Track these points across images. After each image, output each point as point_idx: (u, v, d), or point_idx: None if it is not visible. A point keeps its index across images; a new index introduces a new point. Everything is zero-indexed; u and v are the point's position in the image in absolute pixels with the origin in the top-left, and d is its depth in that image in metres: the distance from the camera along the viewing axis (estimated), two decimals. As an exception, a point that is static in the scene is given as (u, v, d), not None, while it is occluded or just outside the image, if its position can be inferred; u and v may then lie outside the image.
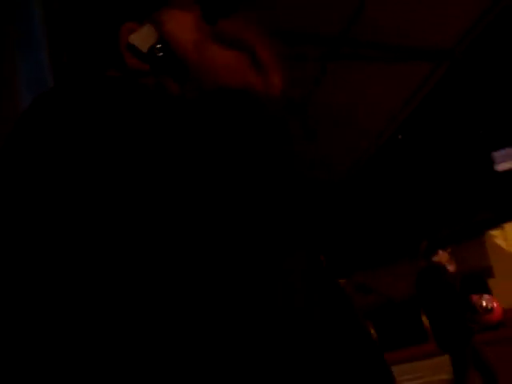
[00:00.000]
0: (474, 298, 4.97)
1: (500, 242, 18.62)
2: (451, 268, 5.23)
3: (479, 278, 18.50)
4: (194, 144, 0.58)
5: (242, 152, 0.59)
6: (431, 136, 20.01)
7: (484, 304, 4.89)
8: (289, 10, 5.20)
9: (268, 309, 0.54)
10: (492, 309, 4.88)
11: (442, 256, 5.26)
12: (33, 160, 0.59)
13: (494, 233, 18.71)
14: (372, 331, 20.59)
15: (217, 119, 0.61)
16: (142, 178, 0.55)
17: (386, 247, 20.14)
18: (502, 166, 19.42)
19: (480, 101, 18.71)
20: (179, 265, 0.53)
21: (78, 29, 0.78)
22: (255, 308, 0.53)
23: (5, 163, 0.62)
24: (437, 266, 5.17)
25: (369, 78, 6.42)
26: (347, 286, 20.96)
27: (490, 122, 20.10)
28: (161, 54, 0.68)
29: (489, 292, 18.62)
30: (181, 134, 0.59)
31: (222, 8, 0.76)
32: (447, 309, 4.99)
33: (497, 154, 19.49)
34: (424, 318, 19.97)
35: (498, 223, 18.51)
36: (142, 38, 0.68)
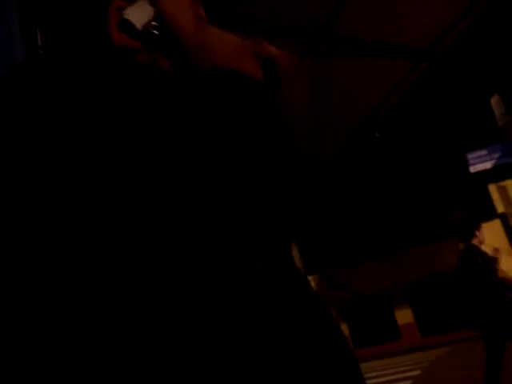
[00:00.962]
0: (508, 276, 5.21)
1: (473, 242, 18.89)
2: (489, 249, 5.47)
3: (451, 276, 18.76)
4: (185, 117, 0.55)
5: (229, 128, 0.55)
6: (408, 135, 20.23)
7: None
8: (269, 4, 5.17)
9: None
10: None
11: (480, 238, 5.53)
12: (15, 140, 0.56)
13: (467, 233, 18.95)
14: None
15: (208, 95, 0.57)
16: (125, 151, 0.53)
17: (361, 245, 20.29)
18: (475, 168, 19.76)
19: (456, 102, 18.97)
20: (175, 260, 0.52)
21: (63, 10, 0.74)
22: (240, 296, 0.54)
23: None
24: (473, 248, 5.36)
25: (347, 75, 6.43)
26: (321, 281, 21.10)
27: (465, 124, 20.41)
28: (156, 31, 0.65)
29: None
30: (171, 106, 0.55)
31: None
32: (482, 287, 5.15)
33: (470, 156, 19.82)
34: (396, 315, 20.22)
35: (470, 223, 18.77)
36: (138, 13, 0.65)
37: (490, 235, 18.09)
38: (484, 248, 5.47)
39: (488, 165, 19.62)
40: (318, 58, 5.92)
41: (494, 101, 18.28)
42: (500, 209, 17.75)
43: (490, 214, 18.04)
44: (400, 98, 7.42)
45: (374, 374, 11.96)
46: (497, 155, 19.62)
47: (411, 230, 19.69)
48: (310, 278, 20.68)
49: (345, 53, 5.91)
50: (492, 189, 17.90)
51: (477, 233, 5.44)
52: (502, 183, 17.87)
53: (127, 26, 0.64)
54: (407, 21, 5.58)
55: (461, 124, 20.18)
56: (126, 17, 0.64)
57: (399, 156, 20.86)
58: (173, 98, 0.56)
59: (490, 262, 5.21)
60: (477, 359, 10.56)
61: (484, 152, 19.74)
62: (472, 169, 19.81)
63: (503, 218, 17.58)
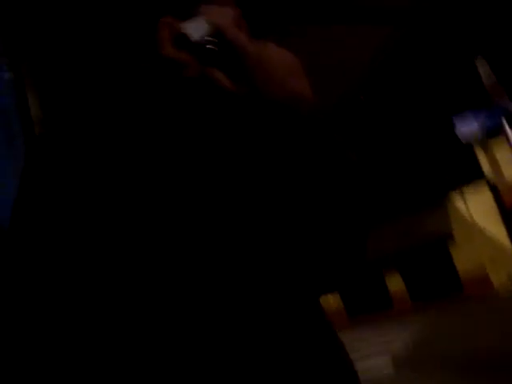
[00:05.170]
0: None
1: (460, 205, 19.06)
2: None
3: (440, 242, 19.00)
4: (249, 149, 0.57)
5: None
6: (394, 98, 20.07)
7: None
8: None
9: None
10: None
11: None
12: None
13: (454, 197, 19.14)
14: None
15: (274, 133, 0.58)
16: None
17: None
18: (462, 131, 19.77)
19: (442, 64, 18.78)
20: (181, 267, 0.54)
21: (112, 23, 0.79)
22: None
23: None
24: None
25: (331, 40, 6.35)
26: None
27: (451, 86, 20.30)
28: (211, 46, 0.65)
29: (449, 257, 19.15)
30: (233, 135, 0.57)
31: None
32: None
33: (457, 118, 19.81)
34: (388, 282, 20.48)
35: (457, 187, 18.96)
36: (194, 28, 0.66)
37: (478, 199, 18.22)
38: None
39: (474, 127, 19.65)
40: (300, 24, 5.79)
41: (479, 62, 18.16)
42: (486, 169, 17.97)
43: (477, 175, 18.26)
44: (384, 60, 7.43)
45: (366, 340, 12.15)
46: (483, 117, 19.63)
47: (400, 197, 19.80)
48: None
49: (327, 19, 5.81)
50: (479, 151, 18.01)
51: None
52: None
53: (181, 40, 0.65)
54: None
55: (447, 86, 20.06)
56: (183, 31, 0.66)
57: (385, 120, 20.78)
58: (235, 122, 0.58)
59: None
60: (465, 325, 10.79)
61: (471, 114, 19.74)
62: (458, 132, 19.81)
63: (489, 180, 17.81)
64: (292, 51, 0.67)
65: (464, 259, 18.68)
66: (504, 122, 16.34)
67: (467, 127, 19.73)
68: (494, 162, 17.76)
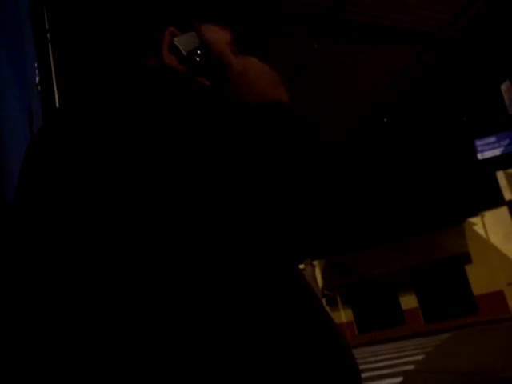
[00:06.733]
0: None
1: (479, 229, 18.85)
2: None
3: (457, 263, 18.78)
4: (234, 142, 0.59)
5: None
6: (416, 121, 20.07)
7: None
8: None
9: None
10: None
11: None
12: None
13: (474, 220, 18.92)
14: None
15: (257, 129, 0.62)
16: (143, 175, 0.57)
17: (367, 230, 20.30)
18: (483, 155, 19.63)
19: (465, 88, 18.78)
20: (176, 263, 0.55)
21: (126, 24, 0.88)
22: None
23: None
24: None
25: (356, 60, 6.37)
26: (327, 266, 21.15)
27: (473, 110, 20.23)
28: (198, 58, 0.76)
29: (465, 278, 18.95)
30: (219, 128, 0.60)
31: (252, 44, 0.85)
32: None
33: (479, 143, 19.68)
34: (401, 301, 20.28)
35: (477, 211, 18.73)
36: (185, 42, 0.76)
37: (496, 222, 18.00)
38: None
39: (496, 152, 19.49)
40: (326, 42, 5.88)
41: (505, 87, 18.10)
42: (507, 196, 17.70)
43: (498, 201, 17.99)
44: (409, 84, 7.36)
45: (377, 357, 12.03)
46: (506, 142, 19.48)
47: (417, 216, 19.66)
48: (315, 263, 20.75)
49: (353, 37, 5.86)
50: (500, 176, 17.81)
51: None
52: (511, 170, 17.77)
53: (176, 50, 0.76)
54: (417, 6, 5.53)
55: (470, 110, 20.02)
56: (175, 42, 0.76)
57: (407, 142, 20.75)
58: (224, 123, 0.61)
59: None
60: (480, 345, 10.65)
61: (493, 139, 19.60)
62: (480, 156, 19.69)
63: (511, 205, 17.53)
64: (319, 68, 0.81)
65: (479, 281, 18.49)
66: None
67: (489, 152, 19.63)
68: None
